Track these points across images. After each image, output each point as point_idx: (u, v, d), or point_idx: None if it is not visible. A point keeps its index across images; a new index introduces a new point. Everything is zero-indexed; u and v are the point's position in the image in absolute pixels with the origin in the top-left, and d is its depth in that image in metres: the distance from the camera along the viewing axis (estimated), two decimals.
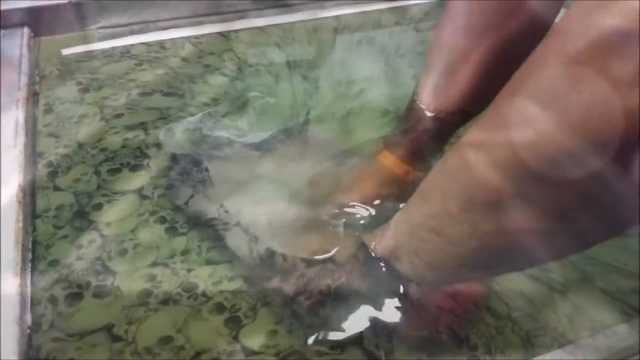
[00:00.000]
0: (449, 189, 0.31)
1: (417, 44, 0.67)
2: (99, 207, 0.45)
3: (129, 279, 0.40)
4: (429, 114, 0.47)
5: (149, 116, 0.55)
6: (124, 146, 0.51)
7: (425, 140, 0.47)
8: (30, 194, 0.45)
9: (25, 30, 0.61)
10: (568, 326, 0.39)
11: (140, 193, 0.47)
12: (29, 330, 0.36)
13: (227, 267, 0.41)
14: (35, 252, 0.41)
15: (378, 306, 0.39)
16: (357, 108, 0.57)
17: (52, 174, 0.48)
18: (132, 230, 0.44)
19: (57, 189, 0.46)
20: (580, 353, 0.36)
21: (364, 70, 0.62)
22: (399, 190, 0.45)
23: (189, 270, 0.41)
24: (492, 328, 0.39)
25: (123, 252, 0.42)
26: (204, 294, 0.40)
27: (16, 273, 0.38)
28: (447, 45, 0.45)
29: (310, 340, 0.38)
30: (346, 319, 0.39)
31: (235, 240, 0.43)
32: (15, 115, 0.50)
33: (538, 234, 0.28)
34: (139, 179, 0.48)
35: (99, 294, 0.39)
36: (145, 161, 0.50)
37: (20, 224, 0.41)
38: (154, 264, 0.41)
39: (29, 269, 0.40)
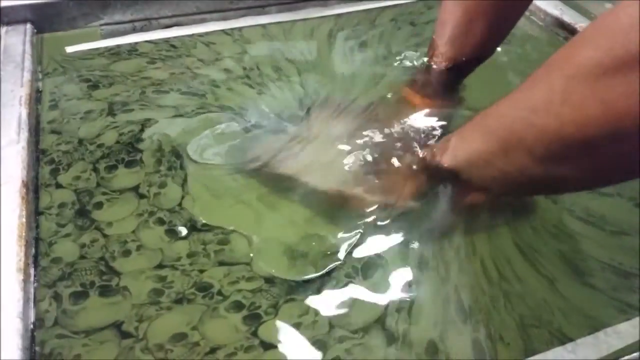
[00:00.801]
0: (509, 138, 0.37)
1: (420, 40, 0.67)
2: (99, 205, 0.45)
3: (135, 280, 0.40)
4: (445, 62, 0.54)
5: (163, 113, 0.55)
6: (117, 142, 0.51)
7: (442, 82, 0.54)
8: (33, 190, 0.45)
9: (28, 26, 0.61)
10: (563, 320, 0.39)
11: (137, 191, 0.46)
12: (32, 326, 0.36)
13: (244, 268, 0.41)
14: (39, 249, 0.41)
15: (407, 263, 0.42)
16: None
17: (54, 171, 0.48)
18: (134, 231, 0.43)
19: (59, 186, 0.46)
20: (581, 352, 0.36)
21: (367, 69, 0.62)
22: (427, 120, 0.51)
23: (201, 271, 0.40)
24: (487, 297, 0.40)
25: (127, 253, 0.42)
26: (220, 293, 0.39)
27: (19, 269, 0.38)
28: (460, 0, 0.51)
29: (334, 327, 0.38)
30: (372, 294, 0.40)
31: (240, 246, 0.43)
32: (19, 112, 0.50)
33: (580, 177, 0.35)
34: (135, 176, 0.48)
35: (104, 293, 0.39)
36: (138, 156, 0.50)
37: (24, 220, 0.41)
38: (160, 266, 0.41)
39: (32, 265, 0.40)
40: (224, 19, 0.69)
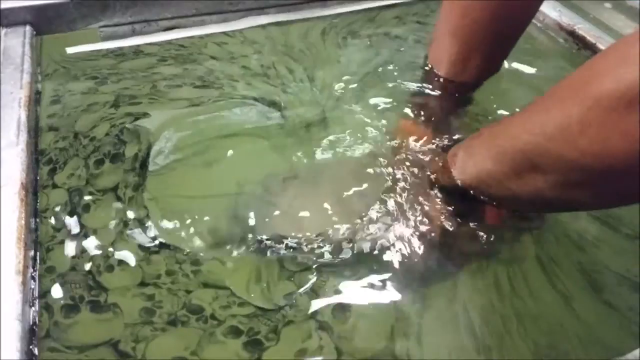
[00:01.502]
0: (521, 162, 0.35)
1: (420, 40, 0.67)
2: (87, 208, 0.45)
3: (123, 297, 0.39)
4: (444, 94, 0.53)
5: (175, 106, 0.54)
6: (107, 134, 0.51)
7: (442, 109, 0.53)
8: (32, 192, 0.45)
9: (28, 28, 0.61)
10: (580, 349, 0.38)
11: (115, 193, 0.46)
12: (30, 328, 0.37)
13: (231, 292, 0.40)
14: (37, 253, 0.42)
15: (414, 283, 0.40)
16: (365, 110, 0.56)
17: (52, 171, 0.48)
18: (113, 243, 0.42)
19: (55, 186, 0.47)
20: None
21: (367, 67, 0.62)
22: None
23: (188, 292, 0.40)
24: (497, 316, 0.39)
25: (110, 269, 0.41)
26: (213, 317, 0.38)
27: (18, 271, 0.38)
28: (455, 33, 0.49)
29: (342, 353, 0.36)
30: (375, 314, 0.39)
31: (216, 268, 0.41)
32: (18, 114, 0.50)
33: (596, 201, 0.35)
34: (116, 174, 0.48)
35: (95, 309, 0.38)
36: (122, 149, 0.50)
37: (23, 222, 0.41)
38: (143, 284, 0.40)
39: (31, 267, 0.40)
40: (224, 21, 0.69)
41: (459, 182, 0.41)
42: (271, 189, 0.47)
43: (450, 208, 0.43)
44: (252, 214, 0.44)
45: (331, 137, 0.52)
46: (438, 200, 0.43)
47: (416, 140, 0.49)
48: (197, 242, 0.43)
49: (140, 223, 0.44)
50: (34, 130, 0.51)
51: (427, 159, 0.47)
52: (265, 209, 0.45)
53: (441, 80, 0.52)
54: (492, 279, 0.42)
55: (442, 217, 0.43)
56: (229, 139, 0.52)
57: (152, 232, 0.43)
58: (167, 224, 0.44)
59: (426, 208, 0.43)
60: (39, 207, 0.45)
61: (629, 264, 0.44)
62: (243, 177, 0.48)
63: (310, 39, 0.67)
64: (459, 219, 0.42)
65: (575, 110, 0.31)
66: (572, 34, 0.68)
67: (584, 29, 0.67)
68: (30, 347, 0.36)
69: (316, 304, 0.39)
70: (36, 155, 0.49)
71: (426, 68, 0.55)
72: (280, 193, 0.46)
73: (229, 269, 0.41)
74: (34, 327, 0.37)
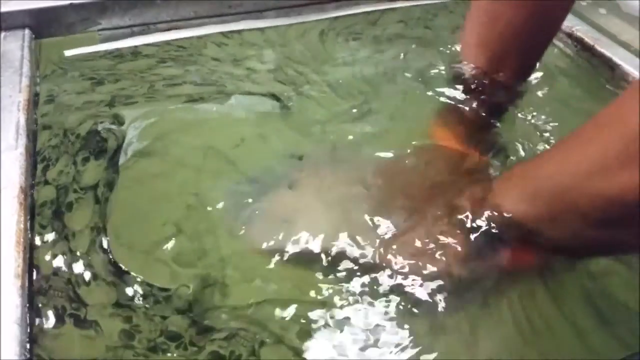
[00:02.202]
0: (558, 204, 0.35)
1: (419, 43, 0.67)
2: (70, 207, 0.44)
3: (101, 316, 0.37)
4: (482, 96, 0.50)
5: (172, 102, 0.54)
6: (89, 131, 0.51)
7: (478, 122, 0.51)
8: (31, 195, 0.45)
9: (27, 31, 0.61)
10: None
11: (95, 192, 0.45)
12: (26, 333, 0.36)
13: (201, 317, 0.38)
14: (33, 254, 0.41)
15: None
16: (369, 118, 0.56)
17: (45, 168, 0.48)
18: (87, 252, 0.41)
19: (46, 183, 0.46)
20: None
21: (370, 74, 0.62)
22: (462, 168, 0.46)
23: (164, 318, 0.38)
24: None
25: (87, 283, 0.39)
26: (192, 344, 0.36)
27: (17, 275, 0.38)
28: (487, 41, 0.48)
29: None
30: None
31: (182, 291, 0.40)
32: (17, 117, 0.50)
33: (629, 239, 0.34)
34: (97, 171, 0.47)
35: (77, 324, 0.37)
36: (104, 146, 0.49)
37: (22, 226, 0.41)
38: (118, 305, 0.38)
39: (29, 271, 0.40)
40: (223, 23, 0.69)
41: (491, 223, 0.39)
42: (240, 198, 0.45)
43: (472, 244, 0.40)
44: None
45: (346, 138, 0.52)
46: (461, 232, 0.40)
47: (448, 156, 0.46)
48: (157, 268, 0.41)
49: (106, 236, 0.42)
50: (33, 134, 0.51)
51: (459, 181, 0.44)
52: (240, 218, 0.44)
53: (475, 74, 0.50)
54: (510, 318, 0.39)
55: (461, 252, 0.39)
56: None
57: (111, 252, 0.41)
58: (122, 246, 0.42)
59: (447, 238, 0.40)
60: (32, 204, 0.44)
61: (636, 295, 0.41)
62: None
63: (310, 41, 0.67)
64: (479, 257, 0.39)
65: (613, 145, 0.31)
66: (570, 36, 0.68)
67: (582, 30, 0.67)
68: (28, 350, 0.36)
69: (283, 327, 0.38)
70: (34, 159, 0.49)
71: (458, 65, 0.52)
72: (263, 199, 0.45)
73: (192, 293, 0.39)
74: (31, 331, 0.37)
